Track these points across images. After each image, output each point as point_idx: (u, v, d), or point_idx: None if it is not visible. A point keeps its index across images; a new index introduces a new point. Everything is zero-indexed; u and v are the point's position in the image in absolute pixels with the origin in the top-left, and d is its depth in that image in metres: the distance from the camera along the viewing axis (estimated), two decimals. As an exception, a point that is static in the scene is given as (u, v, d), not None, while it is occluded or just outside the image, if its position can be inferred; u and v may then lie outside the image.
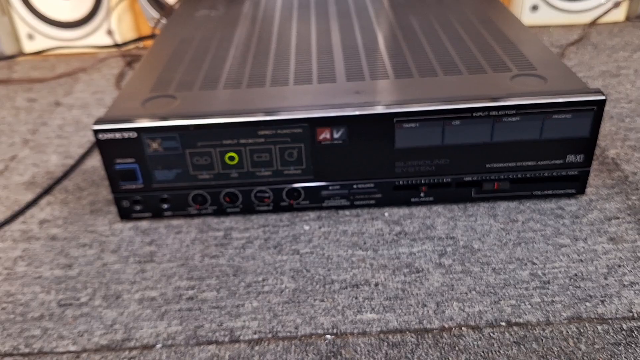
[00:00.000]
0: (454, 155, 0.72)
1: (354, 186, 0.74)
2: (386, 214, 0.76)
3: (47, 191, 0.84)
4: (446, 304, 0.62)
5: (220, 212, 0.75)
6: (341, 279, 0.66)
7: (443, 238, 0.71)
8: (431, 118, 0.68)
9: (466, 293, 0.63)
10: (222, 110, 0.69)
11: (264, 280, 0.66)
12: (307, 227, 0.74)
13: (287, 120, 0.67)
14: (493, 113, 0.68)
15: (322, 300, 0.63)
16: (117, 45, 1.30)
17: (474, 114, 0.68)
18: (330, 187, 0.74)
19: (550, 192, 0.76)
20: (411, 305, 0.62)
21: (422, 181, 0.74)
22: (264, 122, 0.67)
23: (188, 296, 0.64)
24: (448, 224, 0.74)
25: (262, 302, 0.63)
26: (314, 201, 0.75)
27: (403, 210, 0.76)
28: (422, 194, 0.75)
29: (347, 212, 0.76)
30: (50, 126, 1.04)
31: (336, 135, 0.69)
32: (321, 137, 0.69)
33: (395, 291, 0.64)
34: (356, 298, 0.63)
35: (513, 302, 0.62)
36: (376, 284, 0.65)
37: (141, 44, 1.34)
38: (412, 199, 0.76)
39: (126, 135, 0.67)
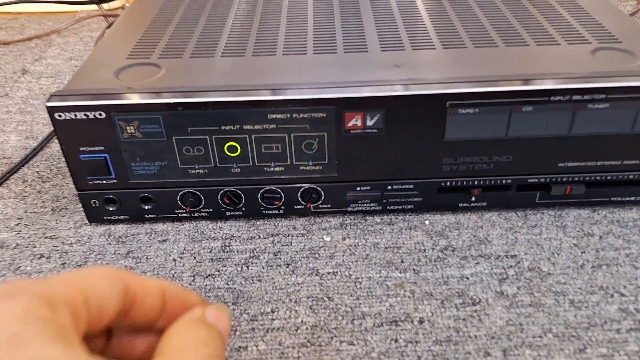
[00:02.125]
0: (520, 150, 0.55)
1: (389, 187, 0.58)
2: (427, 223, 0.60)
3: None
4: (516, 351, 0.46)
5: (217, 216, 0.59)
6: (375, 312, 0.50)
7: (502, 257, 0.55)
8: (496, 102, 0.52)
9: (540, 336, 0.48)
10: (220, 85, 0.52)
11: (273, 311, 0.50)
12: (327, 239, 0.58)
13: (307, 101, 0.51)
14: (577, 97, 0.52)
15: (352, 344, 0.47)
16: (99, 2, 1.11)
17: (552, 98, 0.52)
18: (358, 188, 0.57)
19: (632, 198, 0.60)
20: (470, 354, 0.46)
21: (475, 182, 0.58)
22: (276, 103, 0.51)
23: (172, 333, 0.48)
24: (506, 237, 0.58)
25: (272, 344, 0.47)
26: (337, 205, 0.59)
27: (448, 218, 0.60)
28: (473, 198, 0.59)
29: (377, 219, 0.60)
30: (13, 98, 0.87)
31: (370, 122, 0.52)
32: (350, 124, 0.52)
33: (447, 331, 0.48)
34: (396, 341, 0.47)
35: (603, 350, 0.47)
36: (421, 321, 0.49)
37: (128, 2, 1.16)
38: (460, 204, 0.60)
39: (92, 115, 0.51)
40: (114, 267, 0.30)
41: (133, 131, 0.52)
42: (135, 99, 0.51)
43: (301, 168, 0.56)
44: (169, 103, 0.51)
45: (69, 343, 0.24)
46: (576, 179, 0.58)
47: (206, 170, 0.55)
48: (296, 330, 0.49)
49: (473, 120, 0.53)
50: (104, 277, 0.28)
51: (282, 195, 0.58)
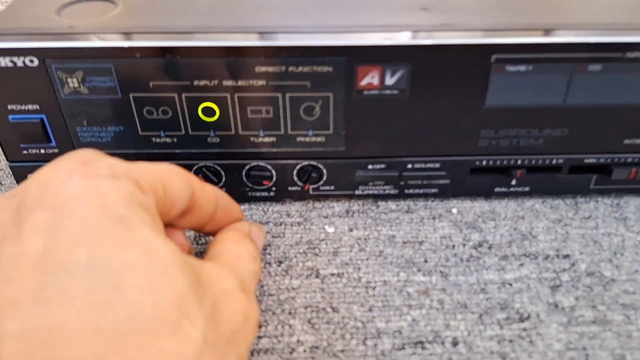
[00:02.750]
0: (578, 122, 0.43)
1: (409, 165, 0.45)
2: (454, 211, 0.47)
3: None
4: (583, 388, 0.34)
5: (189, 198, 0.46)
6: (393, 329, 0.38)
7: (552, 257, 0.43)
8: (556, 58, 0.39)
9: (613, 366, 0.36)
10: (194, 25, 0.39)
11: (260, 326, 0.38)
12: (330, 230, 0.45)
13: (307, 50, 0.38)
14: (660, 54, 0.40)
15: (364, 375, 0.35)
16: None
17: (628, 54, 0.39)
18: (370, 166, 0.45)
19: None
20: (522, 391, 0.34)
21: (519, 162, 0.45)
22: (266, 51, 0.38)
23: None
24: (555, 231, 0.45)
25: (256, 373, 0.35)
26: (343, 186, 0.46)
27: (480, 206, 0.48)
28: (513, 182, 0.47)
29: (392, 206, 0.48)
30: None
31: (389, 81, 0.40)
32: (364, 82, 0.40)
33: (490, 357, 0.36)
34: (423, 371, 0.35)
35: (696, 386, 0.35)
36: (454, 342, 0.37)
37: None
38: (497, 189, 0.47)
39: (22, 61, 0.38)
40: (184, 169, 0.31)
41: (77, 85, 0.39)
42: (78, 41, 0.38)
43: (298, 139, 0.43)
44: (124, 48, 0.38)
45: (162, 232, 0.25)
46: (644, 159, 0.46)
47: (175, 140, 0.42)
48: (290, 353, 0.36)
49: (524, 82, 0.41)
50: (178, 176, 0.30)
51: (274, 173, 0.45)
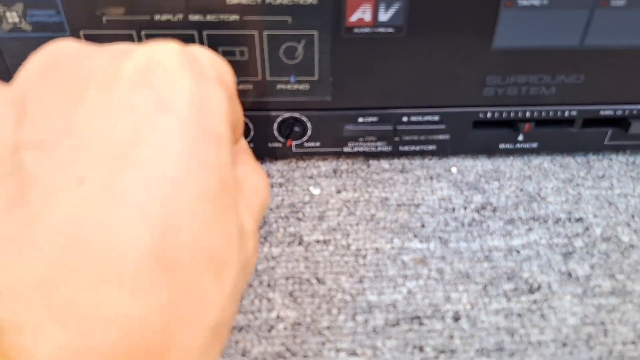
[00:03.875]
0: (596, 67, 0.38)
1: (404, 118, 0.40)
2: (454, 170, 0.42)
3: None
4: (603, 368, 0.30)
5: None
6: (387, 303, 0.33)
7: (563, 220, 0.38)
8: (574, -10, 0.34)
9: (634, 342, 0.31)
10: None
11: (232, 300, 0.33)
12: (316, 191, 0.40)
13: (290, -20, 0.33)
14: (693, -14, 0.35)
15: (354, 354, 0.30)
16: None
17: (653, -12, 0.34)
18: (360, 119, 0.40)
19: None
20: (535, 372, 0.30)
21: (527, 114, 0.40)
22: (243, -18, 0.32)
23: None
24: (566, 192, 0.41)
25: (231, 353, 0.30)
26: (330, 143, 0.41)
27: (482, 164, 0.43)
28: (520, 137, 0.42)
29: (385, 165, 0.43)
30: None
31: (384, 17, 0.34)
32: (354, 17, 0.34)
33: (497, 334, 0.31)
34: (421, 349, 0.31)
35: None
36: (456, 317, 0.32)
37: None
38: (502, 145, 0.42)
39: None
40: None
41: (17, 21, 0.33)
42: (18, -33, 0.32)
43: (278, 87, 0.38)
44: (73, -25, 0.32)
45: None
46: (665, 112, 0.41)
47: (136, 86, 0.37)
48: (269, 330, 0.31)
49: (538, 18, 0.36)
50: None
51: (251, 127, 0.40)
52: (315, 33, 0.35)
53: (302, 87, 0.38)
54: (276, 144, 0.41)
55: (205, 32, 0.34)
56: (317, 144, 0.42)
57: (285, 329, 0.32)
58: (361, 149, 0.42)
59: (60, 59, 0.23)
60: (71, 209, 0.18)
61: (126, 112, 0.20)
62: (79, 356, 0.16)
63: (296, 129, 0.40)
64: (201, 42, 0.35)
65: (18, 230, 0.17)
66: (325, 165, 0.43)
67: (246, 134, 0.40)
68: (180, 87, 0.22)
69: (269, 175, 0.42)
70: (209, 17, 0.34)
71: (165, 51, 0.23)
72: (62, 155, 0.19)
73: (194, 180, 0.20)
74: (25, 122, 0.20)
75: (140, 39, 0.34)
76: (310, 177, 0.42)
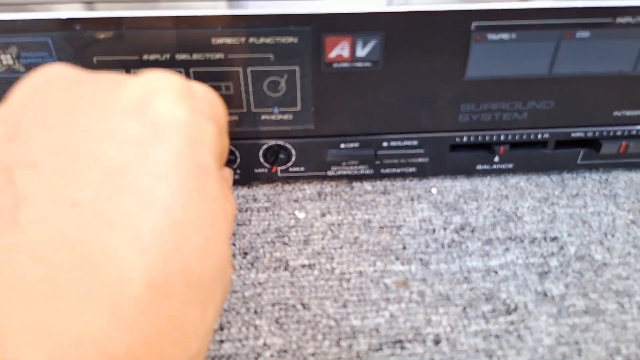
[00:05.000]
0: (565, 94, 0.40)
1: (384, 143, 0.41)
2: (434, 191, 0.44)
3: None
4: (576, 387, 0.32)
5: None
6: (370, 327, 0.34)
7: (539, 240, 0.40)
8: (542, 25, 0.36)
9: (607, 361, 0.33)
10: (143, -7, 0.35)
11: (222, 328, 0.34)
12: (301, 215, 0.42)
13: (270, 18, 0.34)
14: (655, 19, 0.36)
15: (338, 379, 0.32)
16: None
17: (618, 20, 0.36)
18: (343, 145, 0.41)
19: (702, 158, 0.45)
20: (511, 392, 0.31)
21: (502, 137, 0.42)
22: (224, 20, 0.34)
23: None
24: (541, 211, 0.42)
25: (219, 381, 0.32)
26: (314, 167, 0.42)
27: (461, 185, 0.44)
28: (496, 159, 0.43)
29: (367, 187, 0.44)
30: None
31: (361, 52, 0.36)
32: (333, 54, 0.36)
33: (475, 356, 0.33)
34: (403, 373, 0.32)
35: (696, 381, 0.32)
36: (436, 340, 0.34)
37: None
38: (479, 166, 0.44)
39: (-57, 37, 0.33)
40: None
41: (11, 62, 0.35)
42: (10, 12, 0.33)
43: (263, 117, 0.39)
44: (63, 19, 0.33)
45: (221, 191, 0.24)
46: (634, 132, 0.43)
47: (125, 121, 0.38)
48: (256, 358, 0.33)
49: (507, 51, 0.37)
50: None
51: (237, 155, 0.41)
52: (297, 68, 0.37)
53: (285, 117, 0.39)
54: (262, 170, 0.43)
55: (192, 70, 0.36)
56: (302, 168, 0.43)
57: (271, 356, 0.33)
58: (344, 172, 0.44)
59: (52, 82, 0.23)
60: (62, 230, 0.18)
61: (121, 139, 0.21)
62: None
63: (281, 155, 0.42)
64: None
65: (5, 248, 0.17)
66: (310, 189, 0.44)
67: (233, 161, 0.42)
68: (176, 119, 0.22)
69: (255, 200, 0.43)
70: (196, 56, 0.35)
71: (163, 82, 0.23)
72: (54, 177, 0.19)
73: (187, 210, 0.20)
74: (17, 140, 0.20)
75: (128, 78, 0.36)
76: (296, 201, 0.43)
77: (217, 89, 0.37)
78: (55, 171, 0.19)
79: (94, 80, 0.24)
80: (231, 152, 0.41)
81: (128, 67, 0.35)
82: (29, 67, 0.35)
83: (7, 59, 0.34)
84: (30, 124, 0.21)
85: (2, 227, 0.18)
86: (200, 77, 0.36)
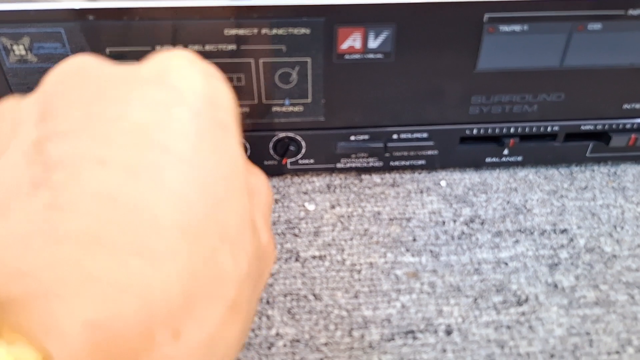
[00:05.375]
0: (576, 86, 0.40)
1: (394, 136, 0.41)
2: (443, 184, 0.44)
3: None
4: (588, 377, 0.32)
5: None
6: (381, 318, 0.34)
7: (548, 232, 0.40)
8: (554, 17, 0.36)
9: (618, 352, 0.33)
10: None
11: (234, 317, 0.34)
12: (311, 207, 0.42)
13: (282, 9, 0.34)
14: (667, 10, 0.36)
15: (351, 369, 0.32)
16: None
17: (629, 12, 0.36)
18: (352, 137, 0.41)
19: None
20: (523, 382, 0.31)
21: (512, 130, 0.42)
22: (236, 11, 0.34)
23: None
24: (550, 203, 0.42)
25: (232, 370, 0.31)
26: (323, 160, 0.42)
27: (470, 177, 0.45)
28: (506, 151, 0.43)
29: (377, 179, 0.44)
30: None
31: (373, 44, 0.36)
32: (345, 45, 0.36)
33: (487, 347, 0.33)
34: (415, 363, 0.32)
35: None
36: (448, 330, 0.34)
37: None
38: (488, 159, 0.44)
39: (-43, 27, 0.33)
40: None
41: (24, 53, 0.35)
42: (23, 3, 0.33)
43: (274, 109, 0.39)
44: (76, 10, 0.33)
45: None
46: (644, 125, 0.43)
47: (137, 112, 0.38)
48: (269, 348, 0.33)
49: (518, 43, 0.37)
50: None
51: (247, 146, 0.41)
52: (309, 60, 0.37)
53: (296, 109, 0.39)
54: (272, 162, 0.43)
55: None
56: (312, 160, 0.43)
57: (284, 346, 0.33)
58: (354, 165, 0.44)
59: (81, 68, 0.24)
60: (94, 185, 0.19)
61: (143, 103, 0.22)
62: (102, 326, 0.17)
63: (291, 147, 0.42)
64: (200, 71, 0.36)
65: (43, 209, 0.18)
66: (319, 181, 0.44)
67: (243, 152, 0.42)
68: (192, 84, 0.23)
69: (264, 192, 0.43)
70: (208, 47, 0.35)
71: (179, 56, 0.24)
72: (82, 141, 0.20)
73: (207, 163, 0.21)
74: (49, 118, 0.21)
75: (141, 69, 0.36)
76: (305, 193, 0.43)
77: (229, 80, 0.37)
78: (83, 135, 0.20)
79: (118, 65, 0.24)
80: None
81: (140, 58, 0.35)
82: (42, 58, 0.35)
83: (19, 49, 0.34)
84: (61, 105, 0.22)
85: (37, 190, 0.19)
86: (212, 68, 0.36)
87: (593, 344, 0.34)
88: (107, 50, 0.35)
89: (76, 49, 0.35)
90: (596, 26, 0.37)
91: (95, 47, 0.35)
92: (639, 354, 0.33)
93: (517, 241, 0.40)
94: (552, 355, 0.33)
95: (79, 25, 0.34)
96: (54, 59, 0.35)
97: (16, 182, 0.19)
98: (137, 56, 0.35)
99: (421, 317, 0.35)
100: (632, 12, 0.37)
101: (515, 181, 0.45)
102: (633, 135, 0.43)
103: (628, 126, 0.43)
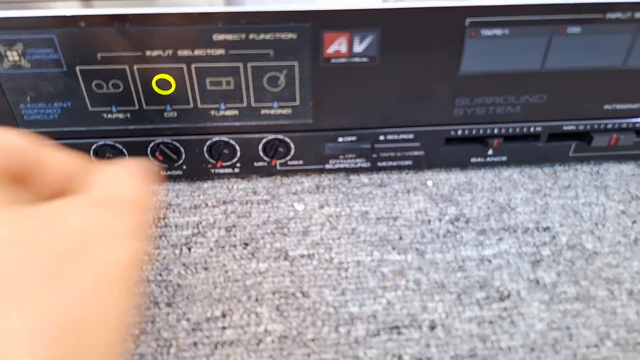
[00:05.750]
0: (557, 88, 0.41)
1: (381, 137, 0.42)
2: (429, 184, 0.45)
3: None
4: (567, 370, 0.33)
5: (147, 177, 0.43)
6: (367, 314, 0.35)
7: (531, 230, 0.41)
8: (534, 20, 0.37)
9: (597, 345, 0.34)
10: (146, -9, 0.36)
11: (224, 315, 0.35)
12: (300, 207, 0.43)
13: (270, 15, 0.35)
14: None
15: (337, 364, 0.33)
16: None
17: (608, 15, 0.37)
18: (340, 139, 0.42)
19: (690, 150, 0.46)
20: (504, 375, 0.33)
21: (495, 130, 0.43)
22: (225, 17, 0.35)
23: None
24: (534, 202, 0.44)
25: (222, 366, 0.33)
26: (312, 161, 0.43)
27: (456, 177, 0.46)
28: (490, 152, 0.44)
29: (365, 179, 0.45)
30: None
31: (358, 48, 0.37)
32: (331, 49, 0.37)
33: (470, 341, 0.34)
34: (399, 358, 0.33)
35: (683, 363, 0.34)
36: (432, 326, 0.35)
37: None
38: (474, 159, 0.45)
39: (-48, 34, 0.34)
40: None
41: (17, 59, 0.36)
42: (16, 10, 0.34)
43: (263, 112, 0.40)
44: (68, 17, 0.34)
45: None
46: (624, 125, 0.44)
47: (128, 115, 0.39)
48: (257, 344, 0.34)
49: (500, 46, 0.38)
50: None
51: (237, 148, 0.42)
52: (296, 64, 0.38)
53: (284, 111, 0.40)
54: (262, 163, 0.44)
55: (193, 65, 0.37)
56: (301, 162, 0.44)
57: (272, 342, 0.34)
58: (342, 166, 0.45)
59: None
60: None
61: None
62: None
63: (280, 149, 0.43)
64: (190, 75, 0.37)
65: None
66: (308, 181, 0.45)
67: (233, 155, 0.43)
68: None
69: (255, 192, 0.45)
70: (197, 52, 0.36)
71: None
72: None
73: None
74: None
75: (132, 73, 0.37)
76: (295, 194, 0.44)
77: (217, 84, 0.38)
78: None
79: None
80: (231, 146, 0.42)
81: (131, 62, 0.36)
82: (35, 63, 0.36)
83: (13, 55, 0.35)
84: None
85: None
86: (201, 73, 0.37)
87: (573, 338, 0.35)
88: (99, 55, 0.36)
89: (68, 55, 0.35)
90: (576, 29, 0.38)
91: (87, 52, 0.36)
92: (617, 347, 0.34)
93: (500, 239, 0.41)
94: (532, 349, 0.34)
95: (71, 31, 0.35)
96: (46, 65, 0.36)
97: None
98: (128, 60, 0.36)
99: (406, 313, 0.36)
100: (610, 15, 0.38)
101: (500, 180, 0.46)
102: (614, 135, 0.44)
103: (609, 126, 0.44)
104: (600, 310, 0.36)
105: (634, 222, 0.42)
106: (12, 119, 0.39)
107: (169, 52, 0.36)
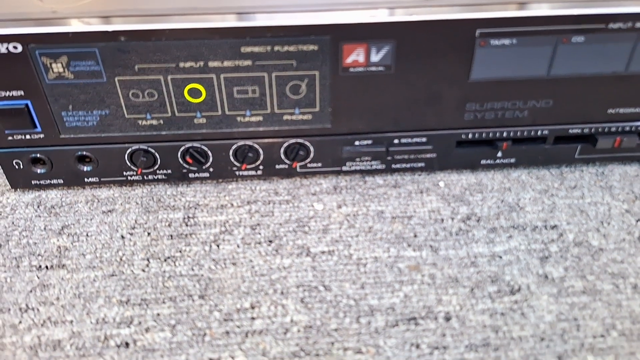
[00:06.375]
0: (563, 93, 0.43)
1: (395, 141, 0.45)
2: (441, 184, 0.48)
3: None
4: (575, 358, 0.35)
5: (178, 178, 0.46)
6: (386, 306, 0.38)
7: (540, 228, 0.44)
8: (540, 31, 0.39)
9: (603, 335, 0.36)
10: (178, 7, 0.39)
11: (253, 307, 0.38)
12: (319, 207, 0.46)
13: (292, 29, 0.38)
14: (642, 24, 0.40)
15: (359, 352, 0.35)
16: None
17: (610, 25, 0.40)
18: (357, 142, 0.45)
19: (691, 151, 0.48)
20: (515, 362, 0.35)
21: (504, 134, 0.45)
22: (251, 31, 0.38)
23: (120, 340, 0.36)
24: (542, 201, 0.46)
25: (253, 354, 0.35)
26: (330, 163, 0.46)
27: (467, 178, 0.48)
28: (499, 154, 0.47)
29: (380, 181, 0.48)
30: None
31: (375, 58, 0.40)
32: (349, 59, 0.39)
33: (483, 331, 0.36)
34: (417, 346, 0.36)
35: (683, 351, 0.36)
36: (447, 317, 0.37)
37: None
38: (483, 161, 0.47)
39: (5, 48, 0.37)
40: None
41: (61, 70, 0.38)
42: (62, 26, 0.37)
43: (285, 118, 0.43)
44: (109, 32, 0.37)
45: None
46: (627, 128, 0.47)
47: (161, 121, 0.42)
48: (284, 333, 0.37)
49: (508, 55, 0.41)
50: None
51: (261, 152, 0.45)
52: (317, 73, 0.40)
53: (305, 117, 0.43)
54: (283, 166, 0.47)
55: (222, 76, 0.40)
56: (319, 164, 0.47)
57: (298, 331, 0.37)
58: (358, 168, 0.47)
59: None
60: None
61: None
62: None
63: (300, 152, 0.45)
64: (219, 85, 0.40)
65: None
66: (326, 183, 0.48)
67: (257, 158, 0.45)
68: None
69: (276, 193, 0.47)
70: (226, 63, 0.39)
71: None
72: None
73: None
74: None
75: (167, 83, 0.39)
76: (314, 194, 0.47)
77: (244, 92, 0.41)
78: None
79: None
80: (255, 150, 0.45)
81: (165, 73, 0.39)
82: (77, 75, 0.39)
83: (57, 67, 0.38)
84: None
85: None
86: (229, 82, 0.40)
87: (580, 329, 0.37)
88: (136, 67, 0.38)
89: (108, 67, 0.38)
90: (579, 39, 0.41)
91: (125, 64, 0.38)
92: (622, 337, 0.37)
93: (510, 236, 0.43)
94: (542, 339, 0.37)
95: (112, 45, 0.37)
96: (88, 76, 0.39)
97: None
98: (163, 71, 0.39)
99: (422, 306, 0.38)
100: (612, 25, 0.40)
101: (509, 181, 0.48)
102: (618, 138, 0.47)
103: (613, 129, 0.46)
104: (606, 302, 0.39)
105: (638, 220, 0.45)
106: (55, 127, 0.41)
107: (201, 63, 0.39)
